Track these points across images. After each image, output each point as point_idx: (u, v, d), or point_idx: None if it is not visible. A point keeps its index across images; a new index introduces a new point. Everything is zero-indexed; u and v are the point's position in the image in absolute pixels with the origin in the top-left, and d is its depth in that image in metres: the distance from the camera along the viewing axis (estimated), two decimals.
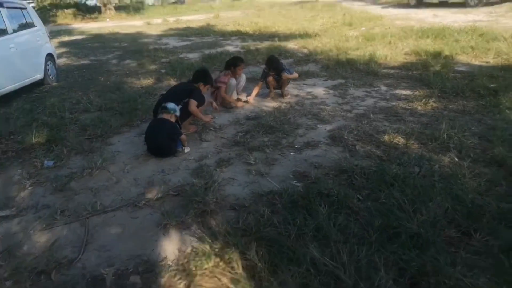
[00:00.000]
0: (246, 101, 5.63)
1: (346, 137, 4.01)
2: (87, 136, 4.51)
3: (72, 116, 5.25)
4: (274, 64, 5.55)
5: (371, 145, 3.82)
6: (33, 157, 3.93)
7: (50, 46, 7.88)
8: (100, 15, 26.30)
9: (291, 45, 10.69)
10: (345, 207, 2.68)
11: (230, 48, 11.03)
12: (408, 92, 5.73)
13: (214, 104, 4.92)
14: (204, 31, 15.35)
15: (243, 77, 5.64)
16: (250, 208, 2.81)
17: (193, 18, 21.72)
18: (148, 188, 3.25)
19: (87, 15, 25.86)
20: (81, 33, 17.60)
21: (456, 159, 3.38)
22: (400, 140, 3.85)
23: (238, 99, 5.68)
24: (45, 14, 24.12)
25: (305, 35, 12.08)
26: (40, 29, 7.55)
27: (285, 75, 5.57)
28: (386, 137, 3.93)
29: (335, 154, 3.67)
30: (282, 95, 5.82)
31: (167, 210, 2.85)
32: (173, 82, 7.19)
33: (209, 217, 2.73)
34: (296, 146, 3.93)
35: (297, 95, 5.89)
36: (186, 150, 3.96)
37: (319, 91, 6.08)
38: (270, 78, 5.65)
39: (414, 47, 8.57)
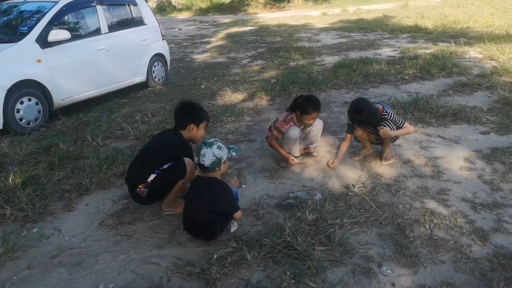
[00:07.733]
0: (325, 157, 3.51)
1: None
2: (67, 186, 3.36)
3: (99, 143, 4.24)
4: (357, 115, 3.16)
5: None
6: None
7: (161, 45, 7.16)
8: (287, 4, 25.97)
9: (475, 52, 7.35)
10: None
11: (385, 52, 8.41)
12: None
13: (233, 181, 2.95)
14: (375, 24, 12.68)
15: (316, 126, 3.46)
16: None
17: (377, 8, 18.78)
18: None
19: (276, 4, 25.90)
20: (254, 24, 17.24)
21: None
22: None
23: (307, 151, 3.61)
24: (241, 3, 25.32)
25: (508, 38, 8.26)
26: (150, 27, 6.89)
27: (384, 130, 3.14)
28: None
29: None
30: (380, 158, 3.41)
31: None
32: (262, 103, 5.48)
33: None
34: None
35: (407, 162, 3.37)
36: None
37: (457, 158, 3.37)
38: (359, 132, 3.32)
39: None
